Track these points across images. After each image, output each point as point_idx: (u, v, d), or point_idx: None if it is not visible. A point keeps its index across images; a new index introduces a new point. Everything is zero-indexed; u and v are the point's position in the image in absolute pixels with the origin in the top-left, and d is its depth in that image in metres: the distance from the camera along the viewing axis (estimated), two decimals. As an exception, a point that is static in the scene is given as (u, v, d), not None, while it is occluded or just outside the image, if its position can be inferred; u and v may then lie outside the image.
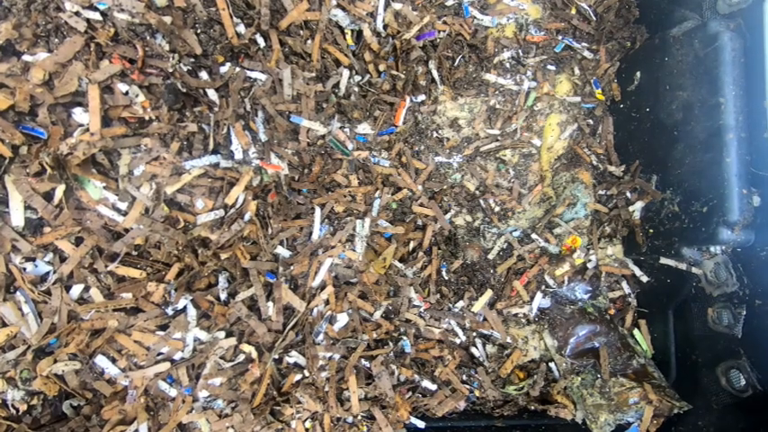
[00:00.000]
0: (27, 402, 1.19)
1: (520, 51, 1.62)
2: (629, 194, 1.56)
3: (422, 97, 1.59)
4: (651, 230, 1.49)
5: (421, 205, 1.55)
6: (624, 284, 1.57)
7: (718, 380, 1.29)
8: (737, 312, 1.24)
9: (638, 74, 1.55)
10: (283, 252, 1.36)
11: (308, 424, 1.33)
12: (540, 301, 1.51)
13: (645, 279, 1.53)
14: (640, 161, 1.54)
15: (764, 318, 1.19)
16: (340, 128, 1.46)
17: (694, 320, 1.38)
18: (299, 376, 1.34)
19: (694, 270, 1.35)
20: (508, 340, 1.52)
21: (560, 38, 1.62)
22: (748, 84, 1.20)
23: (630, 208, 1.54)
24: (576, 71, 1.65)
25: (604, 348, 1.46)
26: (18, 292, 1.17)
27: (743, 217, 1.19)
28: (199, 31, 1.26)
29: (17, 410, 1.19)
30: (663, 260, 1.41)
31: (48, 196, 1.13)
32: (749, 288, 1.23)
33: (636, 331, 1.55)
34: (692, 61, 1.32)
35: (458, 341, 1.51)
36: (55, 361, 1.18)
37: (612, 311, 1.57)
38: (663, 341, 1.49)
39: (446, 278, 1.55)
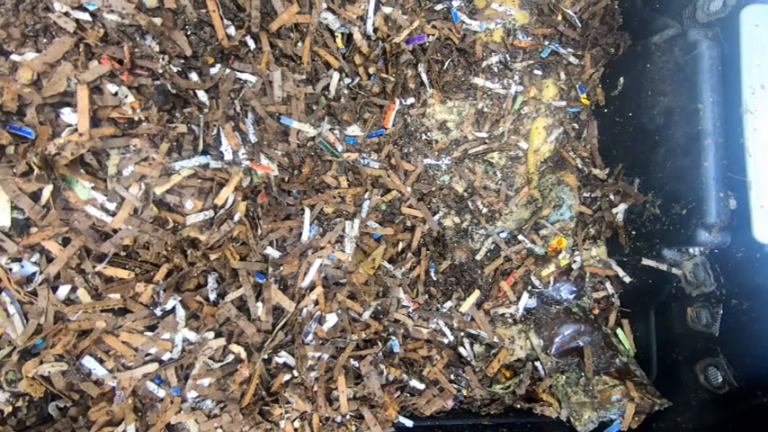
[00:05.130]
0: (12, 404, 1.18)
1: (507, 56, 1.65)
2: (612, 197, 1.59)
3: (411, 100, 1.61)
4: (634, 232, 1.53)
5: (410, 207, 1.57)
6: (608, 285, 1.61)
7: (696, 377, 1.33)
8: (715, 312, 1.28)
9: (622, 79, 1.59)
10: (273, 253, 1.36)
11: (296, 424, 1.34)
12: (527, 301, 1.54)
13: (627, 280, 1.56)
14: (624, 164, 1.58)
15: (740, 317, 1.23)
16: (330, 130, 1.47)
17: (674, 320, 1.41)
18: (288, 376, 1.35)
19: (674, 271, 1.39)
20: (495, 340, 1.54)
21: (547, 43, 1.66)
22: (726, 90, 1.24)
23: (614, 210, 1.58)
24: (562, 76, 1.68)
25: (588, 347, 1.50)
26: (4, 293, 1.15)
27: (720, 219, 1.23)
28: (189, 32, 1.27)
29: (2, 412, 1.18)
30: (645, 261, 1.45)
31: (35, 196, 1.12)
32: (726, 288, 1.27)
33: (619, 330, 1.59)
34: (673, 68, 1.36)
35: (446, 341, 1.53)
36: (41, 362, 1.17)
37: (596, 311, 1.60)
38: (645, 340, 1.53)
39: (434, 279, 1.57)
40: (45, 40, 1.12)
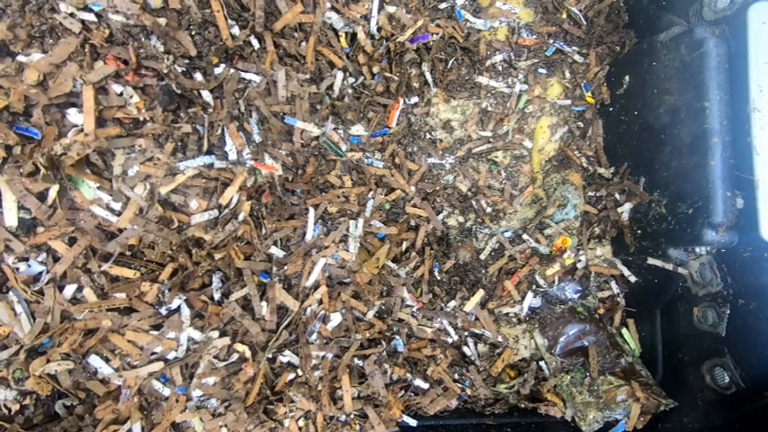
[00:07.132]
0: (19, 402, 1.20)
1: (512, 55, 1.64)
2: (617, 196, 1.59)
3: (415, 99, 1.61)
4: (639, 231, 1.52)
5: (414, 206, 1.57)
6: (613, 284, 1.60)
7: (703, 377, 1.32)
8: (721, 311, 1.27)
9: (627, 78, 1.58)
10: (277, 252, 1.37)
11: (301, 423, 1.34)
12: (531, 300, 1.54)
13: (633, 279, 1.55)
14: (629, 163, 1.57)
15: (747, 317, 1.22)
16: (334, 129, 1.48)
17: (680, 320, 1.41)
18: (292, 375, 1.35)
19: (680, 270, 1.38)
20: (499, 339, 1.54)
21: (551, 41, 1.65)
22: (732, 89, 1.23)
23: (619, 209, 1.57)
24: (567, 74, 1.67)
25: (593, 347, 1.49)
26: (11, 292, 1.17)
27: (727, 218, 1.22)
28: (193, 32, 1.27)
29: (9, 410, 1.19)
30: (650, 260, 1.44)
31: (41, 196, 1.13)
32: (733, 288, 1.26)
33: (624, 330, 1.58)
34: (679, 66, 1.35)
35: (450, 340, 1.53)
36: (48, 361, 1.19)
37: (601, 311, 1.59)
38: (650, 340, 1.52)
39: (438, 278, 1.57)
40: (51, 41, 1.13)
